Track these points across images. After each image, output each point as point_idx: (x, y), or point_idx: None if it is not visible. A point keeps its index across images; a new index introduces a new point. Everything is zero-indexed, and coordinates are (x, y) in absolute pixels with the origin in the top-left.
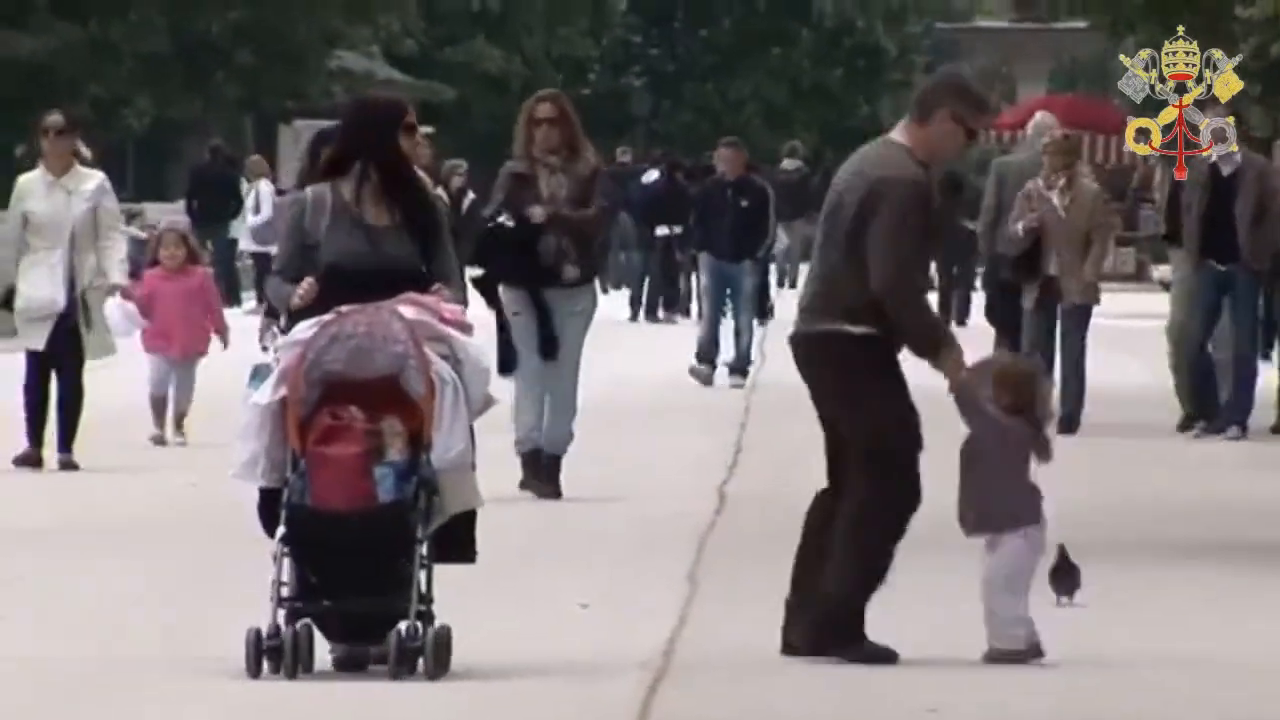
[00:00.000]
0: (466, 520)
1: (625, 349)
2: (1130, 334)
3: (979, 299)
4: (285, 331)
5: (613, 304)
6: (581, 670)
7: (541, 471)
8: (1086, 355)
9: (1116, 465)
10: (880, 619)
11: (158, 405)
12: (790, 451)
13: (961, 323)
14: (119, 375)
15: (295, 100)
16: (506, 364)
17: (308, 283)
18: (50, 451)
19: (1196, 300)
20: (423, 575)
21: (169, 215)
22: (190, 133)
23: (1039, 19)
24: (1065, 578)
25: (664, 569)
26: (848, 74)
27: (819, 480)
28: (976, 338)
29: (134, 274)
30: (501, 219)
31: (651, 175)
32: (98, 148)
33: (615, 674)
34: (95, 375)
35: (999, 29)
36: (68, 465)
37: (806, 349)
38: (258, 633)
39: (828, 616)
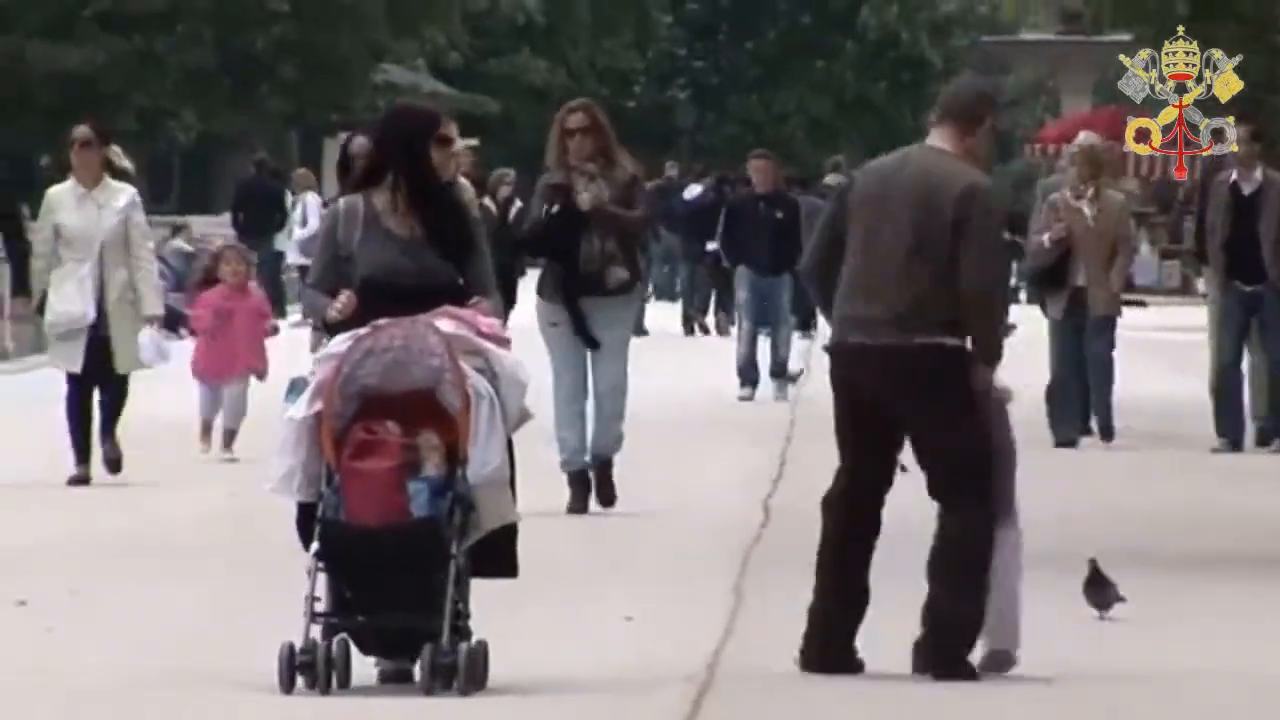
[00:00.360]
0: (508, 534)
1: (670, 362)
2: (1174, 346)
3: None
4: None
5: (655, 316)
6: (626, 683)
7: (587, 493)
8: (1115, 365)
9: (1152, 475)
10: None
11: (208, 428)
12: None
13: None
14: (161, 390)
15: (340, 114)
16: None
17: (347, 296)
18: (96, 459)
19: (1226, 322)
20: (458, 591)
21: (215, 228)
22: (235, 146)
23: (1083, 32)
24: (1099, 591)
25: (709, 582)
26: (892, 87)
27: None
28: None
29: (178, 287)
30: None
31: (694, 190)
32: (143, 160)
33: (660, 687)
34: (137, 390)
35: (1044, 41)
36: (111, 457)
37: (900, 363)
38: (291, 647)
39: (953, 641)
